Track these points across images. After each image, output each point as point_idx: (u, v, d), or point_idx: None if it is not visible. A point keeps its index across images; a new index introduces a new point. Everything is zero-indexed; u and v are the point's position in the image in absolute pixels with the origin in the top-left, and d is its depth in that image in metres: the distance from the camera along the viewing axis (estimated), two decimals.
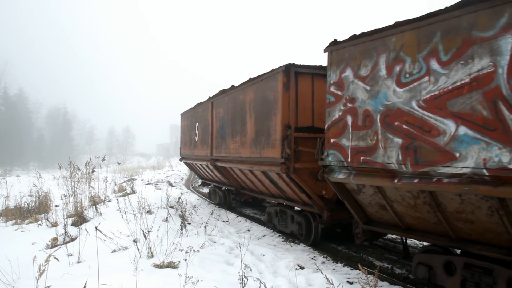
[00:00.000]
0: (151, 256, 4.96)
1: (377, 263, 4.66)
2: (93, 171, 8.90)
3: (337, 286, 3.53)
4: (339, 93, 4.54)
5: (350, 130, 4.35)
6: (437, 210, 3.65)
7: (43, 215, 8.24)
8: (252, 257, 5.27)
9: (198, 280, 3.67)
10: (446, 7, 3.36)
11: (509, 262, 3.29)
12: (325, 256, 5.59)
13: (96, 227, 4.77)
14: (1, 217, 8.60)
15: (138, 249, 4.95)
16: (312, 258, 5.48)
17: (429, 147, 3.45)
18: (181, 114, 13.16)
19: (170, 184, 17.34)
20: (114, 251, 5.38)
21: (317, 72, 5.96)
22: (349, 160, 4.34)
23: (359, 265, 3.42)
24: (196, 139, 10.99)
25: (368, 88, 4.12)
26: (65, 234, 6.09)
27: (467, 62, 3.15)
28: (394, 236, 6.28)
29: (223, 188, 10.39)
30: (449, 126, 3.29)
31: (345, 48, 4.48)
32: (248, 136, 7.13)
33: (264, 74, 6.54)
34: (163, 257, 4.73)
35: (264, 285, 3.46)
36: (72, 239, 6.07)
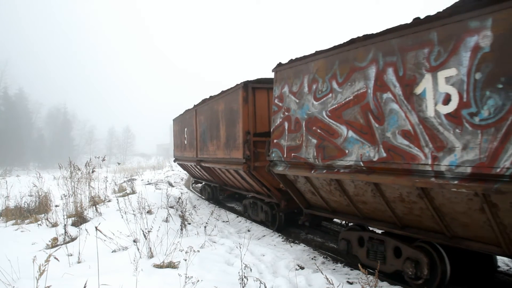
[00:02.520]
0: (151, 256, 4.95)
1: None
2: (93, 171, 8.88)
3: (337, 286, 3.53)
4: (280, 104, 5.67)
5: (286, 133, 5.48)
6: (344, 194, 4.67)
7: (43, 215, 8.21)
8: (252, 257, 5.27)
9: (198, 280, 3.67)
10: (343, 43, 4.40)
11: (395, 234, 4.30)
12: (325, 256, 5.60)
13: (96, 227, 4.77)
14: (1, 217, 8.56)
15: (138, 249, 4.95)
16: (312, 258, 5.49)
17: (332, 146, 4.55)
18: (173, 120, 14.39)
19: (170, 184, 17.32)
20: (114, 251, 5.38)
21: (271, 87, 6.45)
22: (285, 156, 5.47)
23: (359, 265, 3.43)
24: (185, 142, 12.21)
25: (297, 101, 5.26)
26: (65, 234, 6.08)
27: (352, 84, 4.25)
28: None
29: (211, 185, 11.45)
30: (343, 130, 4.36)
31: (284, 70, 5.58)
32: (221, 140, 8.32)
33: (230, 88, 7.72)
34: (163, 257, 4.73)
35: (264, 285, 3.46)
36: (72, 239, 6.05)
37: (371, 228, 4.95)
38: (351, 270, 4.94)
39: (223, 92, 8.23)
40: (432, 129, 3.30)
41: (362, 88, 4.10)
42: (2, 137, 44.02)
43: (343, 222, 7.19)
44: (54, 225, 7.15)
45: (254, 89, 7.12)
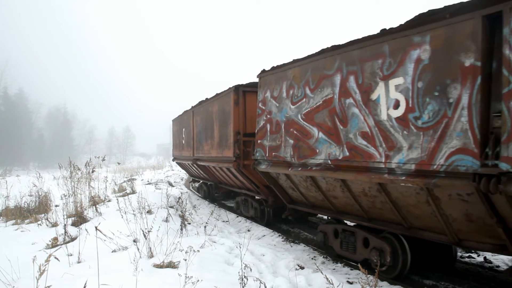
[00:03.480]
0: (151, 256, 4.97)
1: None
2: (93, 171, 8.90)
3: (337, 286, 3.53)
4: (263, 107, 6.18)
5: (268, 134, 5.99)
6: (318, 190, 5.15)
7: (43, 215, 8.25)
8: (252, 257, 5.29)
9: (198, 280, 3.69)
10: (315, 52, 4.88)
11: (364, 226, 4.80)
12: (325, 256, 5.60)
13: (96, 227, 4.78)
14: (1, 217, 8.61)
15: (138, 249, 4.97)
16: (312, 258, 5.49)
17: (305, 146, 5.04)
18: (172, 120, 15.19)
19: (170, 184, 17.36)
20: (114, 251, 5.39)
21: None
22: (267, 155, 5.98)
23: (359, 265, 3.44)
24: (183, 142, 12.86)
25: (277, 105, 5.75)
26: (65, 234, 6.10)
27: (322, 90, 4.74)
28: None
29: (208, 184, 12.11)
30: (315, 131, 4.85)
31: (267, 76, 6.09)
32: (215, 140, 8.89)
33: (223, 92, 8.28)
34: (163, 257, 4.75)
35: (264, 285, 3.47)
36: (72, 239, 6.07)
37: (346, 222, 5.45)
38: (351, 270, 4.96)
39: (217, 94, 8.82)
40: (385, 131, 3.77)
41: (329, 94, 4.61)
42: (2, 137, 44.13)
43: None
44: (54, 225, 7.18)
45: (244, 92, 7.64)
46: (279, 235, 7.05)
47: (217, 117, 8.76)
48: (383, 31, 3.83)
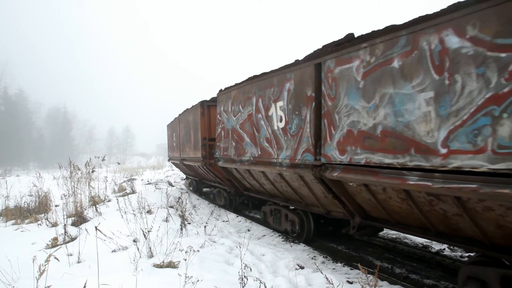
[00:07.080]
0: (151, 256, 5.07)
1: (377, 262, 4.65)
2: (93, 171, 8.96)
3: (337, 286, 3.56)
4: (219, 118, 8.16)
5: (222, 138, 7.97)
6: (254, 179, 7.02)
7: (43, 215, 8.45)
8: (252, 257, 5.39)
9: (198, 280, 3.77)
10: (244, 80, 6.69)
11: (286, 205, 6.65)
12: (325, 256, 5.65)
13: (96, 227, 4.82)
14: (1, 217, 8.72)
15: (138, 249, 5.10)
16: (312, 258, 5.54)
17: (241, 147, 6.96)
18: (167, 126, 17.75)
19: (170, 184, 17.54)
20: (114, 251, 5.50)
21: None
22: (222, 154, 7.99)
23: (359, 265, 3.48)
24: (174, 144, 15.27)
25: (227, 116, 7.69)
26: (65, 234, 6.21)
27: (247, 107, 6.60)
28: (393, 236, 6.29)
29: (196, 180, 14.17)
30: (246, 137, 6.70)
31: (222, 95, 8.07)
32: (192, 143, 11.17)
33: (194, 105, 10.60)
34: (163, 257, 4.83)
35: (264, 285, 3.52)
36: (72, 239, 6.18)
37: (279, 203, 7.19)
38: (351, 269, 5.03)
39: (192, 106, 11.05)
40: (276, 137, 5.58)
41: (250, 110, 6.49)
42: (2, 137, 44.99)
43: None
44: (54, 225, 7.32)
45: (209, 106, 9.75)
46: (279, 235, 7.08)
47: (192, 125, 11.00)
48: (274, 69, 5.71)
